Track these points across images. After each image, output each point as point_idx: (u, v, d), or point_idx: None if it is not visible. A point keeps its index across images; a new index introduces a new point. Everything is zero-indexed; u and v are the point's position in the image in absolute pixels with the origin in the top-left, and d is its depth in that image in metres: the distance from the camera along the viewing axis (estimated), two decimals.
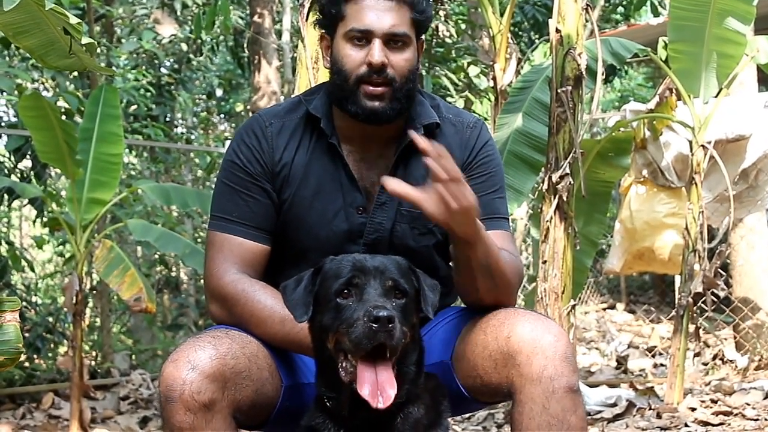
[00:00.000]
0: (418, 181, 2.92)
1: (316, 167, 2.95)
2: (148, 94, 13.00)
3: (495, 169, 3.04)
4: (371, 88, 2.83)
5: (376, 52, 2.82)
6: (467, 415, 7.03)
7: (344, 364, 2.43)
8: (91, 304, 10.70)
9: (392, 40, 2.85)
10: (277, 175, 2.95)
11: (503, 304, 2.80)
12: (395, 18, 2.85)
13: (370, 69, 2.83)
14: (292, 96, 3.26)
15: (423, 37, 3.02)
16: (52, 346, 9.80)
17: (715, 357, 8.63)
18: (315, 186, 2.94)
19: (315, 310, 2.52)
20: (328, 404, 2.53)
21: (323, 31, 3.00)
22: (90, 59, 2.75)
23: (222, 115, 17.03)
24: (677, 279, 8.15)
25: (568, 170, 5.57)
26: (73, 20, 2.58)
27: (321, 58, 3.05)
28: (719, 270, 7.13)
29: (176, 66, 14.25)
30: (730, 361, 8.47)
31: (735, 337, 8.89)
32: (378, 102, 2.84)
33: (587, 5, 5.69)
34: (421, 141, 2.54)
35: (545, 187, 5.67)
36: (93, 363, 9.83)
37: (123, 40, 13.40)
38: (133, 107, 12.48)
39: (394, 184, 2.58)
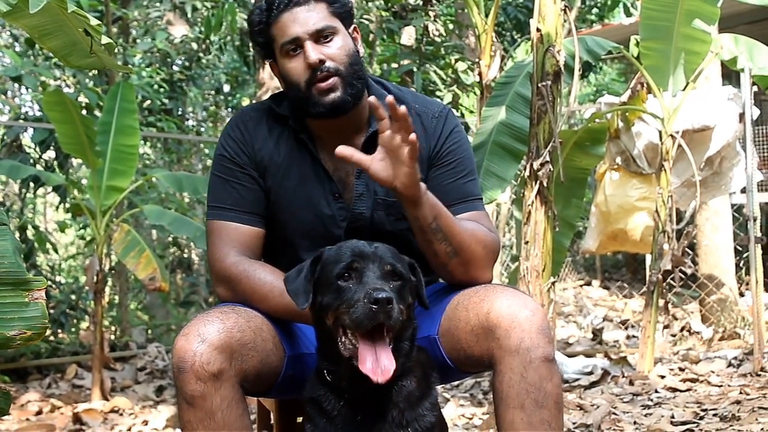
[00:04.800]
0: None
1: (296, 160, 2.97)
2: (162, 90, 12.98)
3: (463, 154, 3.02)
4: (321, 84, 2.84)
5: (310, 51, 2.83)
6: (456, 384, 7.06)
7: (343, 340, 2.42)
8: (110, 283, 10.70)
9: (320, 36, 2.86)
10: (260, 163, 2.96)
11: (476, 279, 2.81)
12: (314, 17, 2.86)
13: (312, 69, 2.84)
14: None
15: (355, 25, 3.03)
16: (74, 321, 9.82)
17: (682, 329, 8.67)
18: (297, 176, 2.96)
19: (316, 293, 2.51)
20: (328, 377, 2.53)
21: (270, 60, 3.01)
22: (109, 58, 2.75)
23: (229, 109, 16.98)
24: (648, 258, 8.17)
25: (548, 158, 5.57)
26: (94, 22, 2.58)
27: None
28: (686, 249, 7.15)
29: (187, 64, 14.22)
30: (697, 332, 8.51)
31: (701, 311, 8.93)
32: (333, 94, 2.84)
33: (565, 6, 5.69)
34: (380, 110, 2.61)
35: (527, 173, 5.67)
36: (112, 337, 9.85)
37: (138, 41, 13.36)
38: (148, 102, 12.47)
39: (343, 151, 2.64)
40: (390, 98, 2.56)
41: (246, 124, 3.00)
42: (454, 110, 3.15)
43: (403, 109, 2.55)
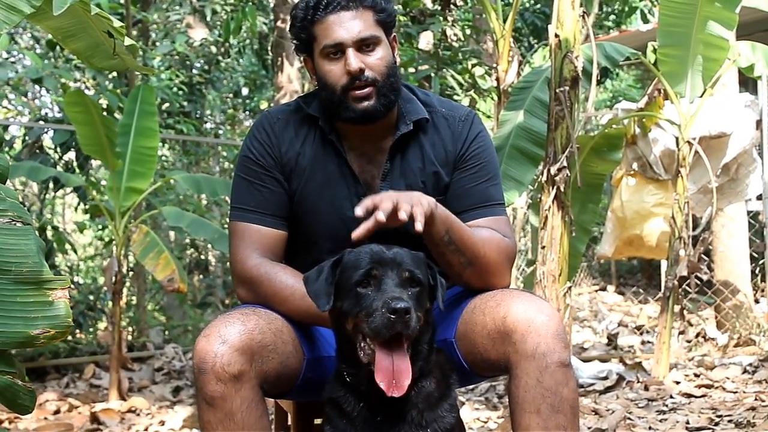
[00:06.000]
0: (413, 170, 2.96)
1: (321, 161, 2.96)
2: (181, 92, 13.03)
3: (487, 158, 3.02)
4: (357, 92, 2.84)
5: (352, 60, 2.82)
6: (471, 387, 7.04)
7: (362, 345, 2.43)
8: (128, 284, 10.72)
9: (363, 45, 2.85)
10: (285, 165, 2.96)
11: (493, 285, 2.81)
12: (360, 24, 2.85)
13: (351, 76, 2.83)
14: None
15: (394, 34, 3.02)
16: (93, 321, 9.84)
17: (697, 335, 8.63)
18: (322, 177, 2.95)
19: (335, 297, 2.52)
20: (348, 379, 2.54)
21: (304, 54, 3.00)
22: (132, 60, 2.76)
23: (247, 112, 17.03)
24: (663, 263, 8.15)
25: (565, 163, 5.57)
26: (116, 24, 2.59)
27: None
28: (702, 255, 7.14)
29: (206, 67, 14.27)
30: (712, 338, 8.47)
31: (716, 317, 8.88)
32: (367, 102, 2.84)
33: (584, 12, 5.68)
34: (359, 231, 2.55)
35: (544, 178, 5.67)
36: (130, 337, 9.87)
37: (158, 43, 13.40)
38: (167, 104, 12.50)
39: (357, 233, 2.57)
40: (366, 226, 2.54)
41: (273, 126, 3.00)
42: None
43: (379, 218, 2.52)
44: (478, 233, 2.81)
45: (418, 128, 2.99)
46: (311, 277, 2.58)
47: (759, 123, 7.45)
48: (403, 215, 2.51)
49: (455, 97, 10.26)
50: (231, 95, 16.10)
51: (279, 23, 11.43)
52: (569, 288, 5.70)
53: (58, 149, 9.78)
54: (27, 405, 2.25)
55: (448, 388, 2.61)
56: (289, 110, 3.06)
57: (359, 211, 2.55)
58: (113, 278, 7.44)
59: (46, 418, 6.56)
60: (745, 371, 7.03)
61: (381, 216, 2.49)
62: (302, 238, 3.01)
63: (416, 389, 2.51)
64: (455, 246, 2.73)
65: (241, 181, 2.98)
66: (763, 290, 9.16)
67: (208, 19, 13.96)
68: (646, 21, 14.94)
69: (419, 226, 2.50)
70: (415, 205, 2.56)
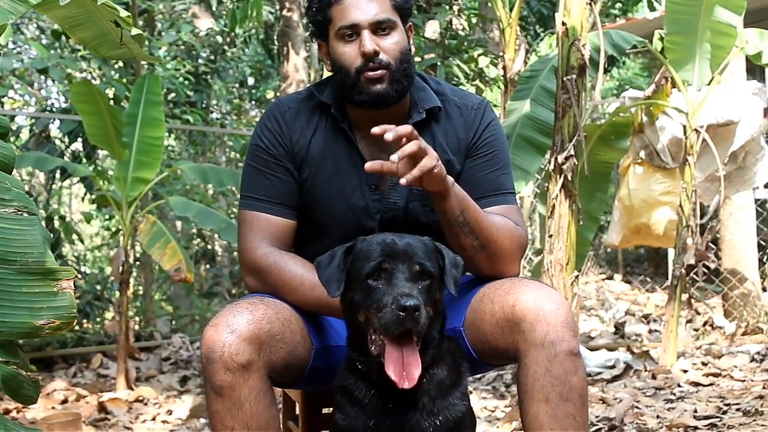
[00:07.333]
0: None
1: (332, 149, 2.96)
2: (187, 82, 13.01)
3: (499, 147, 3.02)
4: (370, 74, 2.83)
5: (366, 41, 2.82)
6: (478, 376, 7.04)
7: (373, 337, 2.43)
8: (135, 274, 10.73)
9: (379, 28, 2.85)
10: (296, 155, 2.96)
11: (503, 272, 2.81)
12: (376, 7, 2.85)
13: (365, 58, 2.83)
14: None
15: (410, 23, 3.01)
16: (100, 311, 9.85)
17: (705, 323, 8.62)
18: (332, 166, 2.95)
19: (346, 286, 2.51)
20: (359, 367, 2.54)
21: (319, 40, 3.00)
22: (139, 49, 2.75)
23: (253, 102, 17.00)
24: (671, 252, 8.13)
25: (572, 152, 5.56)
26: (123, 14, 2.58)
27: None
28: (710, 244, 7.12)
29: (212, 57, 14.25)
30: (719, 327, 8.45)
31: (723, 306, 8.87)
32: (380, 85, 2.84)
33: (590, 0, 5.66)
34: (378, 130, 2.59)
35: (551, 167, 5.66)
36: (137, 327, 9.87)
37: (163, 33, 13.39)
38: (173, 94, 12.49)
39: (370, 166, 2.63)
40: (384, 133, 2.57)
41: (284, 115, 2.99)
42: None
43: (401, 130, 2.56)
44: (492, 218, 2.81)
45: (431, 117, 2.99)
46: (323, 262, 2.57)
47: (767, 111, 7.41)
48: (408, 149, 2.55)
49: (461, 87, 10.23)
50: (237, 85, 16.08)
51: (285, 12, 11.43)
52: (576, 277, 5.70)
53: (65, 139, 9.78)
54: (31, 395, 2.25)
55: (459, 375, 2.61)
56: (300, 99, 3.05)
57: (377, 129, 2.58)
58: (120, 268, 7.44)
59: (53, 408, 6.58)
60: (752, 360, 7.02)
61: (389, 136, 2.54)
62: (312, 228, 3.00)
63: (428, 377, 2.51)
64: (469, 228, 2.73)
65: (251, 170, 2.98)
66: None
67: (214, 8, 13.95)
68: (652, 9, 14.89)
69: (402, 181, 2.55)
70: (429, 155, 2.58)
